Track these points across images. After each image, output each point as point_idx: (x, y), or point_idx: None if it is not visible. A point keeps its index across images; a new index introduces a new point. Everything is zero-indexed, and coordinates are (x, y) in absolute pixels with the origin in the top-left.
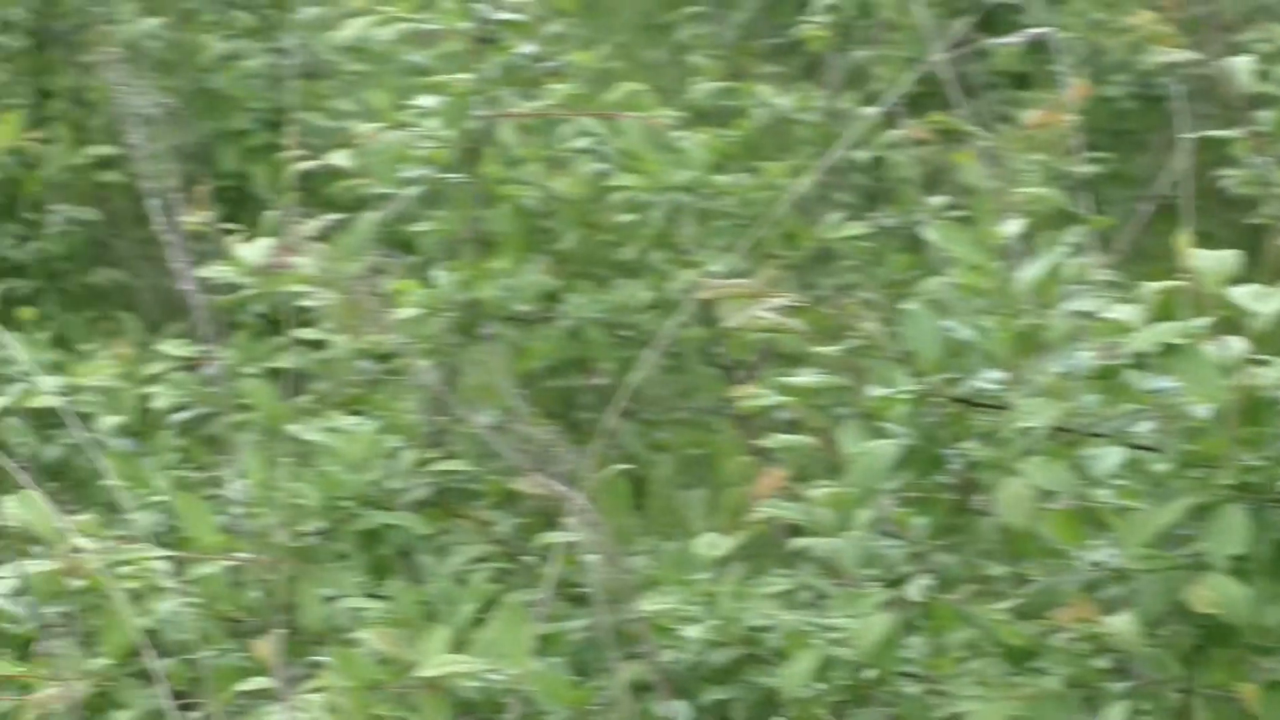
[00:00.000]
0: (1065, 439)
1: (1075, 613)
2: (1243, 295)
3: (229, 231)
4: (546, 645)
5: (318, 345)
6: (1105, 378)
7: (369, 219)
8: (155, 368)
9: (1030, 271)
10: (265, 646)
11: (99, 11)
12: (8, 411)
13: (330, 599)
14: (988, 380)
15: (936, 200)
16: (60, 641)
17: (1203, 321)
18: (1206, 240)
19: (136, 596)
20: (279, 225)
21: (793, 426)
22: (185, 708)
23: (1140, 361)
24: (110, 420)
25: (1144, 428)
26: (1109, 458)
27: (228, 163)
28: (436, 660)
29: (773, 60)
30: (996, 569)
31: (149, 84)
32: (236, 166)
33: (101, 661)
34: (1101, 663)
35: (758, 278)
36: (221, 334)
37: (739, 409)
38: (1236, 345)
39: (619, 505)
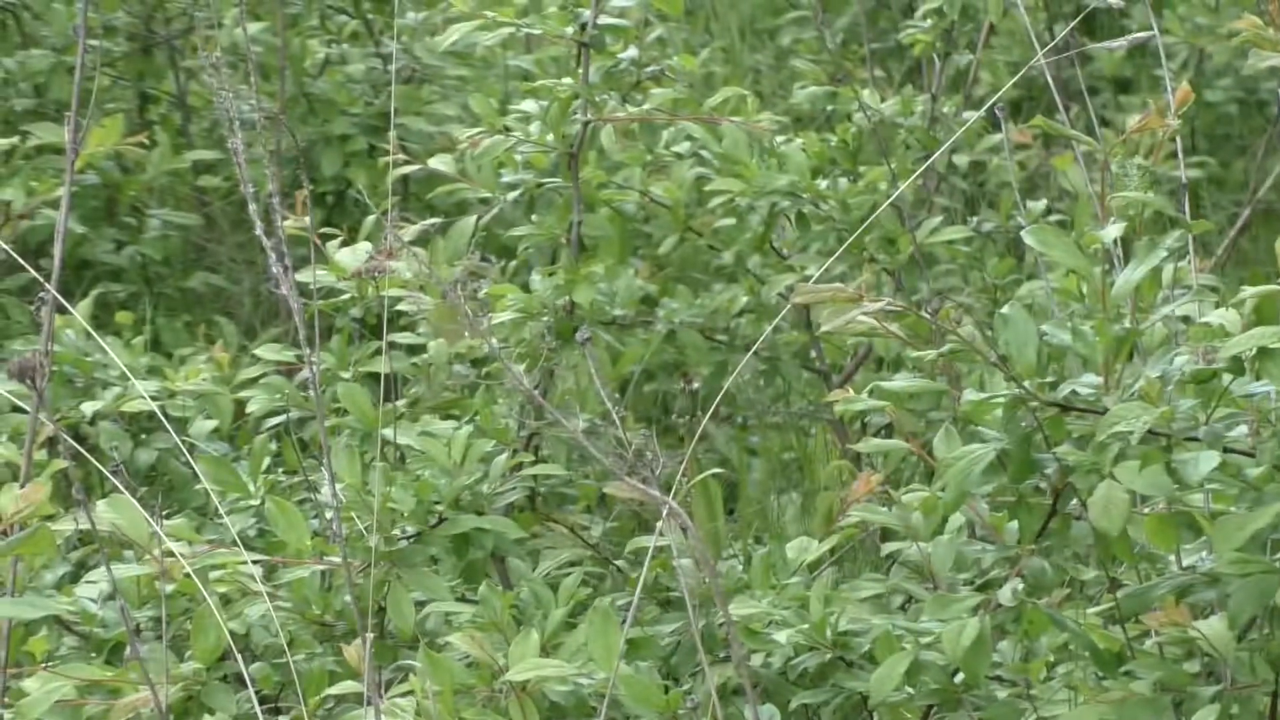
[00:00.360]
0: (1160, 443)
1: (1167, 617)
2: None
3: (328, 236)
4: (636, 649)
5: (414, 350)
6: (1201, 382)
7: (467, 223)
8: (251, 372)
9: (1128, 276)
10: (355, 651)
11: (202, 16)
12: (102, 415)
13: (421, 603)
14: (1083, 385)
15: (1036, 205)
16: (149, 646)
17: None
18: None
19: (227, 601)
20: (378, 230)
21: (888, 431)
22: (274, 712)
23: (1237, 365)
24: (205, 425)
25: (1239, 432)
26: (1204, 462)
27: (328, 167)
28: (526, 664)
29: (875, 65)
30: (1088, 573)
31: (250, 89)
32: (336, 171)
33: (191, 666)
34: (1192, 667)
35: (855, 282)
36: (318, 339)
37: (834, 413)
38: None
39: (711, 509)
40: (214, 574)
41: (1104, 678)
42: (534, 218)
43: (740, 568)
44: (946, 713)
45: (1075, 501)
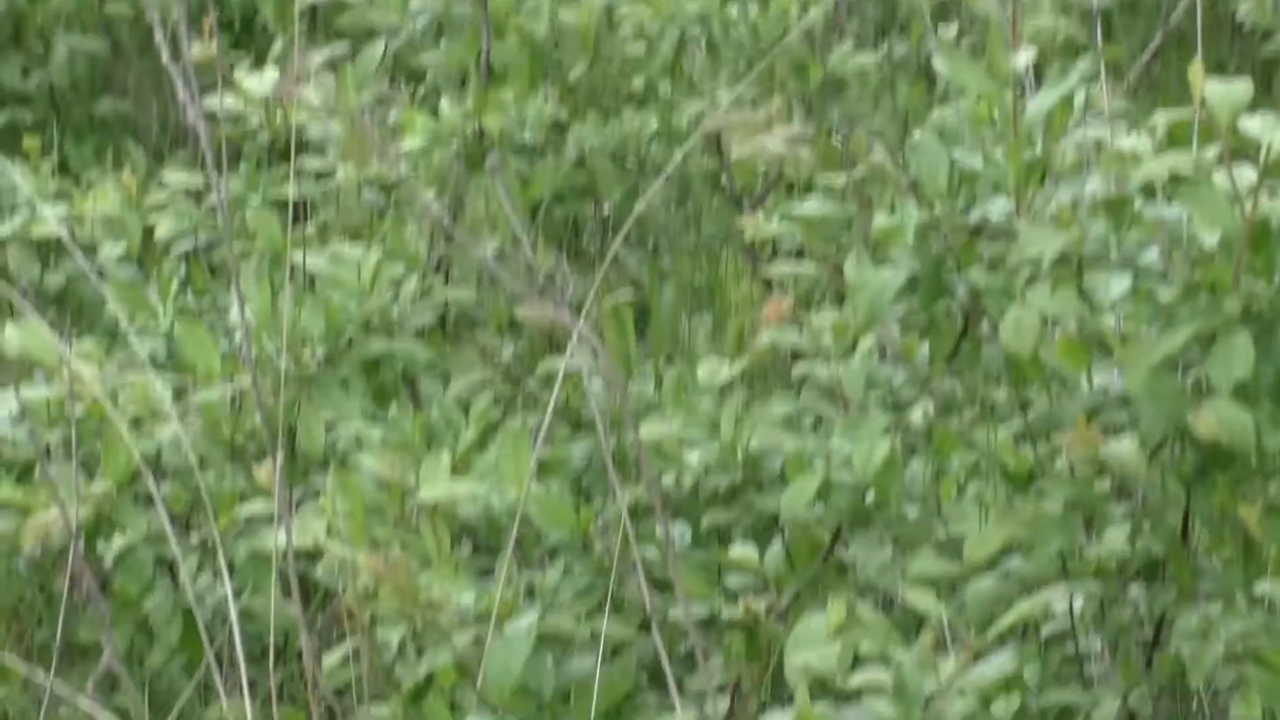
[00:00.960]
0: (1071, 267)
1: (1078, 437)
2: (1253, 125)
3: (235, 62)
4: (547, 470)
5: (322, 175)
6: (1113, 207)
7: (376, 50)
8: (159, 197)
9: (1040, 102)
10: (265, 471)
11: None
12: (11, 240)
13: (331, 425)
14: (995, 209)
15: (947, 30)
16: (59, 466)
17: (1212, 151)
18: (1218, 70)
19: (137, 422)
20: (285, 56)
21: (798, 255)
22: (185, 530)
23: (1149, 191)
24: (113, 249)
25: (1150, 255)
26: (1115, 285)
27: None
28: (437, 485)
29: None
30: (1000, 394)
31: None
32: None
33: (101, 486)
34: (1103, 486)
35: (766, 108)
36: (226, 164)
37: (745, 238)
38: (1246, 174)
39: (622, 332)
40: (123, 396)
41: (1014, 496)
42: (443, 44)
43: (651, 389)
44: (857, 531)
45: (986, 324)
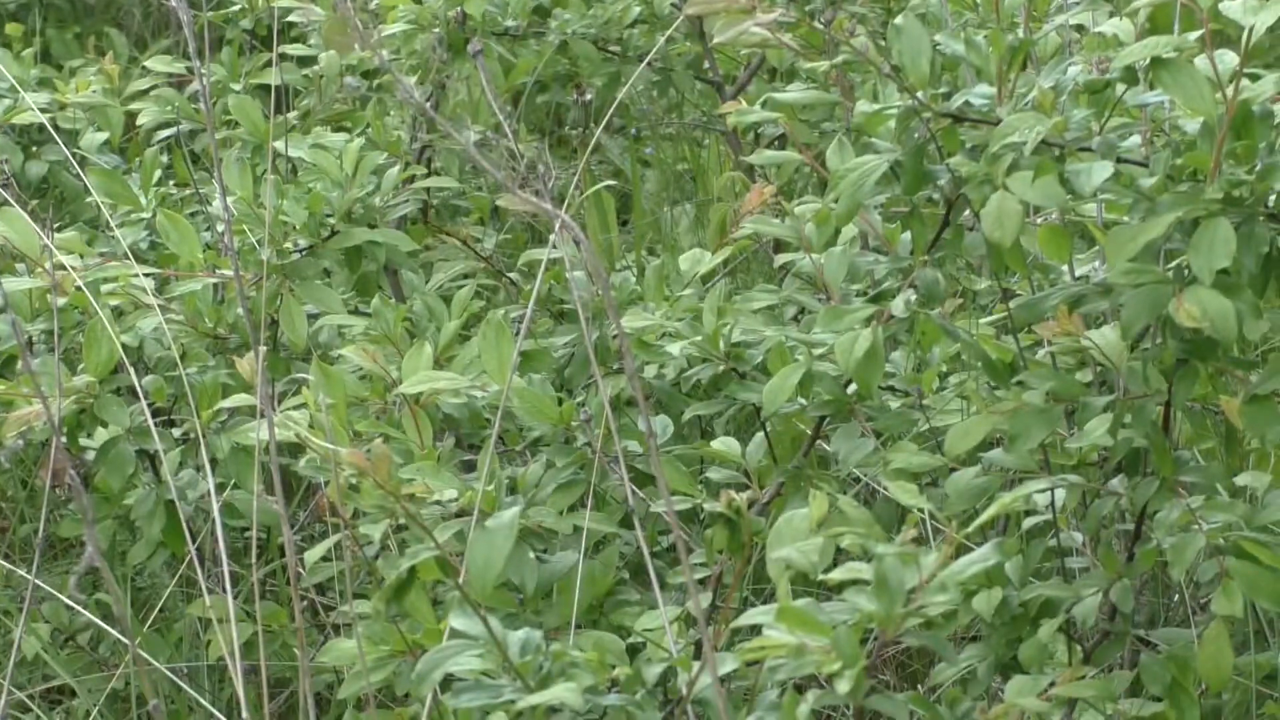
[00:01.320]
0: (1053, 154)
1: (1059, 327)
2: (1234, 9)
3: None
4: (529, 362)
5: (305, 62)
6: (1095, 92)
7: None
8: (141, 84)
9: None
10: (247, 364)
11: None
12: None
13: (313, 316)
14: (977, 95)
15: None
16: (41, 359)
17: (1194, 35)
18: None
19: (119, 314)
20: None
21: (781, 142)
22: (167, 424)
23: (1130, 75)
24: (95, 137)
25: (1132, 142)
26: (1097, 172)
27: None
28: (419, 377)
29: None
30: (981, 284)
31: None
32: None
33: (83, 379)
34: (1084, 376)
35: None
36: (208, 50)
37: (727, 124)
38: (1227, 59)
39: (604, 221)
40: (106, 287)
41: (996, 388)
42: None
43: (633, 280)
44: (839, 423)
45: (968, 212)
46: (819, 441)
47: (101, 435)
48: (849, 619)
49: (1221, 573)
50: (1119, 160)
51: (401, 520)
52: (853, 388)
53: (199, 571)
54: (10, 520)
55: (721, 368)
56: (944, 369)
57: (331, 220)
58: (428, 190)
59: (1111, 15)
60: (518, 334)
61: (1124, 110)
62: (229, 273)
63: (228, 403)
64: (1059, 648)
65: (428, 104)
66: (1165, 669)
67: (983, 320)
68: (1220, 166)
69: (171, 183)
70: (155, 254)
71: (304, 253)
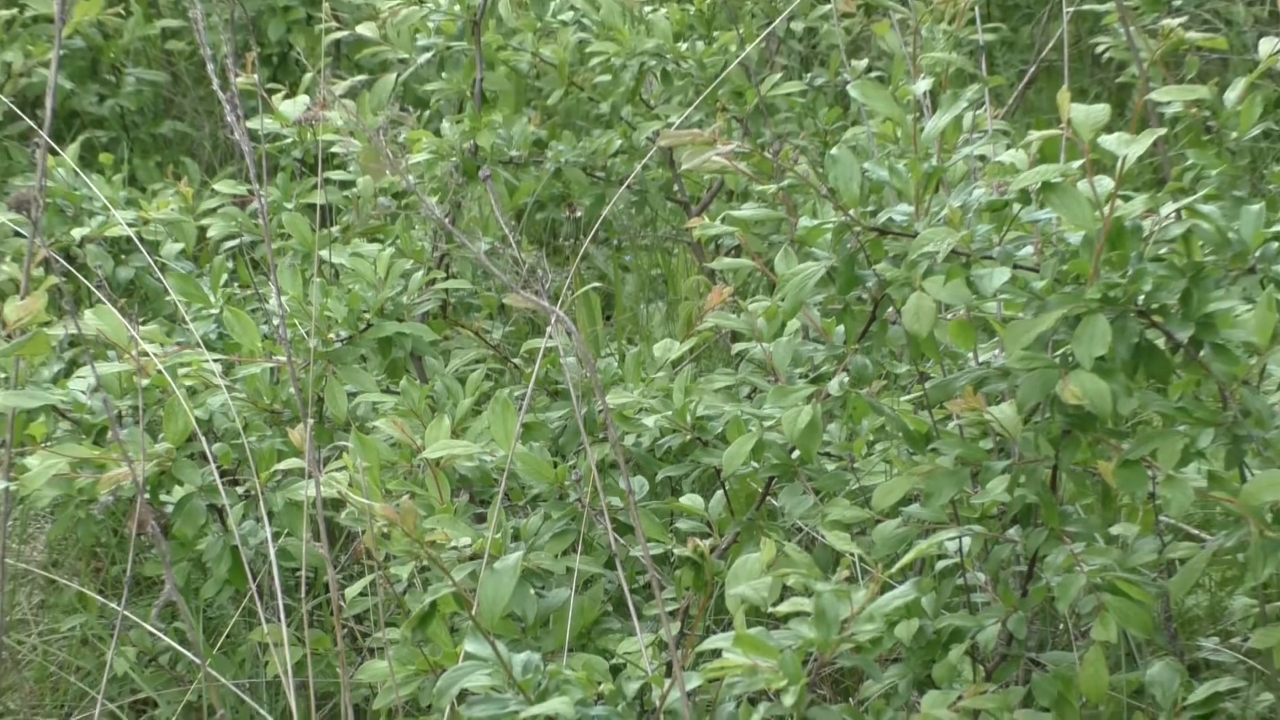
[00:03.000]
0: (961, 261)
1: (966, 403)
2: (1110, 141)
3: (273, 91)
4: (530, 432)
5: (345, 185)
6: (995, 210)
7: (389, 80)
8: (210, 203)
9: (935, 122)
10: (298, 434)
11: None
12: (88, 239)
13: (352, 394)
14: (898, 212)
15: (859, 63)
16: (129, 430)
17: (1077, 163)
18: (1081, 96)
19: (192, 392)
20: (314, 85)
21: (737, 251)
22: (232, 483)
23: (1024, 197)
24: (173, 247)
25: (1026, 251)
26: (997, 276)
27: (273, 33)
28: (439, 444)
29: None
30: (901, 368)
31: None
32: (280, 36)
33: (163, 446)
34: (986, 444)
35: (710, 128)
36: (266, 175)
37: (693, 237)
38: (1104, 183)
39: (592, 316)
40: (182, 370)
41: (914, 454)
42: (444, 75)
43: (615, 364)
44: (785, 483)
45: (891, 309)
46: (768, 498)
47: (178, 492)
48: (793, 644)
49: (1099, 606)
50: (1015, 266)
51: (424, 562)
52: (796, 454)
53: (258, 604)
54: (104, 562)
55: (688, 437)
56: (871, 438)
57: (367, 315)
58: (446, 290)
59: (1009, 147)
60: (520, 409)
61: (1019, 225)
62: (283, 358)
63: (282, 465)
64: (965, 668)
65: (446, 219)
66: (1053, 685)
67: (903, 398)
68: (1098, 272)
69: (235, 284)
70: (222, 343)
71: (344, 342)
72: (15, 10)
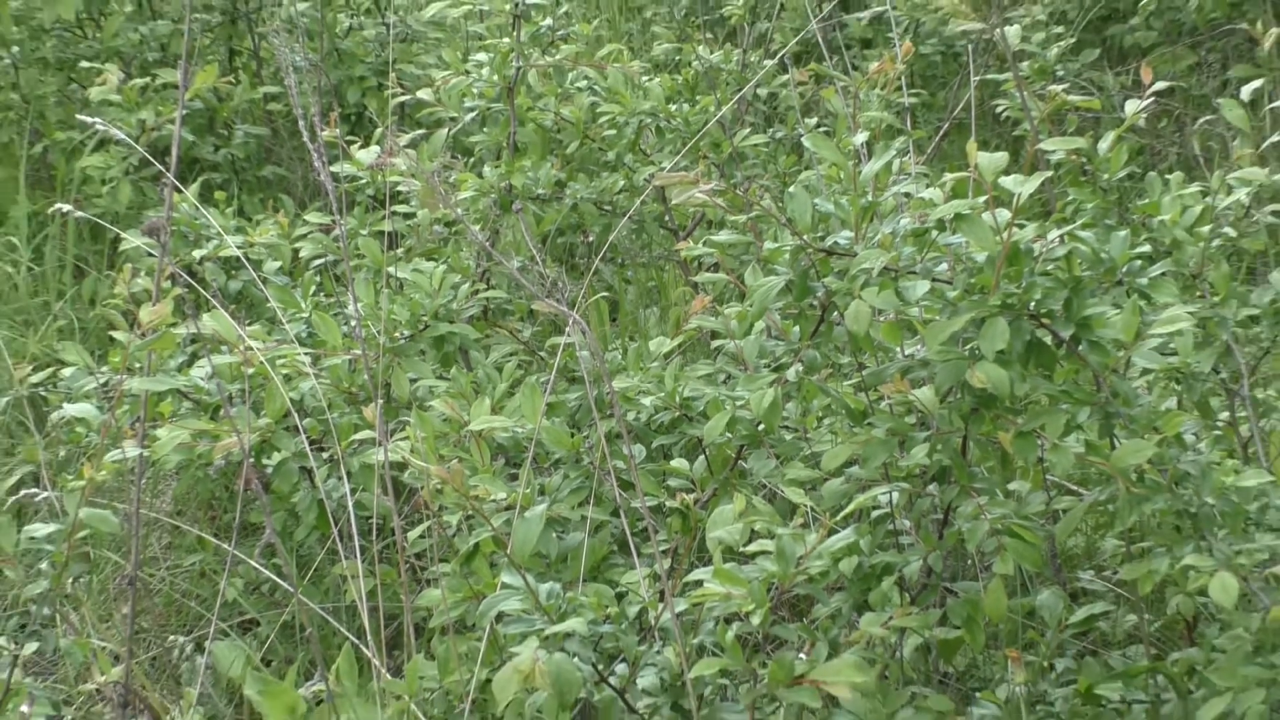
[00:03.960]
0: (891, 276)
1: (895, 388)
2: (1008, 181)
3: (351, 142)
4: (552, 410)
5: (407, 216)
6: (918, 235)
7: (441, 134)
8: (302, 230)
9: (870, 167)
10: (371, 411)
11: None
12: (206, 258)
13: (413, 380)
14: (842, 238)
15: (811, 121)
16: (238, 408)
17: (982, 199)
18: (985, 146)
19: (287, 379)
20: (384, 138)
21: (715, 268)
22: (318, 450)
23: (940, 225)
24: (273, 264)
25: (942, 268)
26: (919, 288)
27: (351, 97)
28: (482, 419)
29: (707, 30)
30: (844, 359)
31: (300, 45)
32: (357, 100)
33: (264, 421)
34: (911, 419)
35: (694, 171)
36: (345, 209)
37: (680, 256)
38: (1003, 214)
39: (600, 319)
40: (279, 361)
41: (854, 427)
42: (485, 130)
43: (620, 357)
44: (753, 449)
45: (836, 314)
46: (740, 461)
47: (276, 457)
48: (759, 576)
49: (1000, 546)
50: (933, 280)
51: (470, 512)
52: (761, 427)
53: (339, 545)
54: (218, 512)
55: (677, 413)
56: (820, 414)
57: (425, 318)
58: (487, 299)
59: (928, 186)
60: (545, 392)
61: (937, 247)
62: (358, 352)
63: (358, 436)
64: (894, 594)
65: (487, 243)
66: (963, 608)
67: (845, 383)
68: (999, 284)
69: (321, 294)
70: (311, 340)
71: (407, 339)
72: (149, 78)
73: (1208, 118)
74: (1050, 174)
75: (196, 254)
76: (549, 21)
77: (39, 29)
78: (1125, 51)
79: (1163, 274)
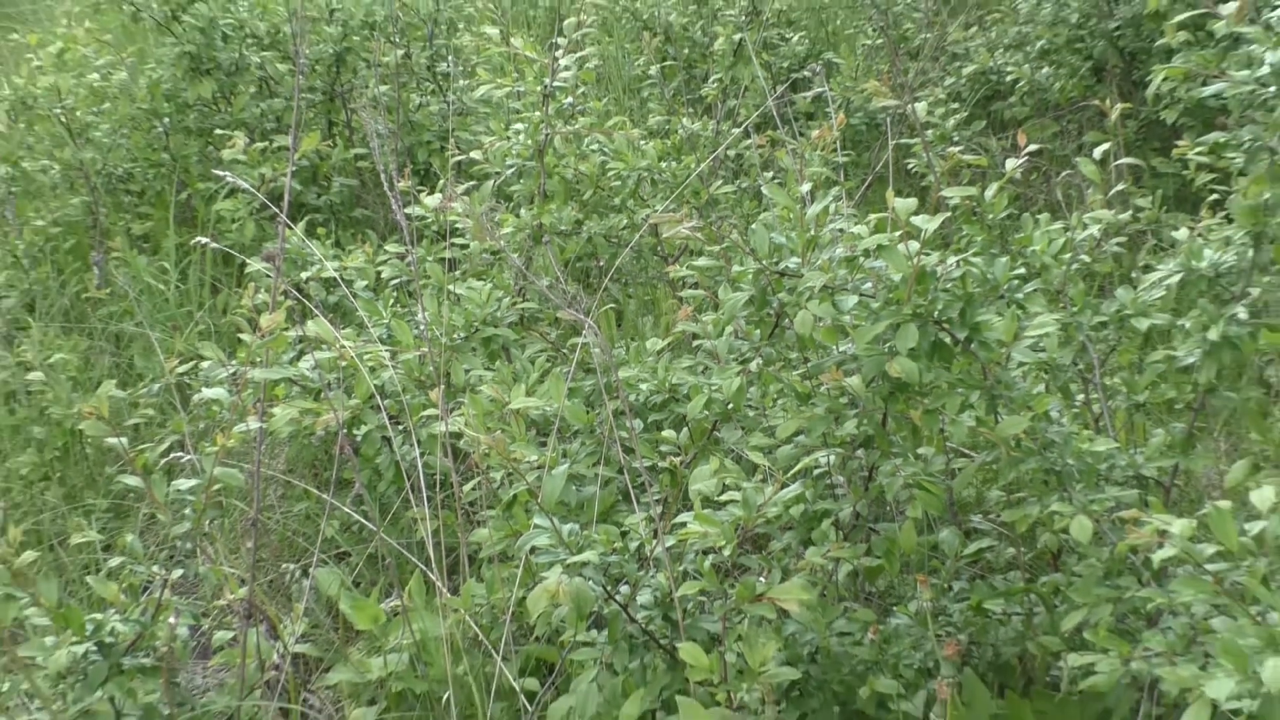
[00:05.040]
0: (829, 292)
1: (832, 376)
2: (918, 220)
3: (420, 191)
4: (573, 393)
5: (463, 246)
6: (849, 261)
7: (488, 184)
8: (383, 257)
9: (813, 209)
10: (435, 394)
11: (358, 81)
12: (310, 279)
13: (467, 370)
14: (792, 263)
15: (768, 174)
16: (335, 392)
17: (897, 233)
18: (899, 194)
19: (372, 370)
20: (445, 188)
21: (696, 285)
22: (395, 423)
23: (866, 253)
24: (361, 283)
25: (867, 286)
26: (850, 301)
27: (420, 157)
28: (519, 400)
29: (689, 105)
30: (794, 355)
31: (381, 117)
32: (425, 159)
33: (354, 401)
34: (844, 400)
35: (680, 212)
36: (415, 241)
37: (670, 277)
38: (914, 245)
39: (608, 325)
40: (365, 356)
41: (801, 406)
42: (521, 181)
43: (623, 353)
44: (724, 423)
45: (788, 320)
46: (715, 432)
47: (364, 429)
48: (729, 519)
49: (911, 496)
50: (860, 295)
51: (510, 470)
52: (731, 406)
53: (411, 496)
54: (320, 470)
55: (666, 396)
56: (775, 397)
57: (476, 324)
58: (523, 309)
59: (857, 224)
60: (566, 379)
61: (864, 270)
62: (425, 349)
63: (425, 413)
64: (831, 533)
65: (523, 266)
66: (884, 543)
67: (795, 372)
68: (910, 297)
69: (397, 305)
70: (389, 340)
71: (462, 340)
72: (267, 142)
73: (1068, 172)
74: (949, 214)
75: (303, 275)
76: (570, 100)
77: (184, 104)
78: (1005, 122)
79: (1034, 290)
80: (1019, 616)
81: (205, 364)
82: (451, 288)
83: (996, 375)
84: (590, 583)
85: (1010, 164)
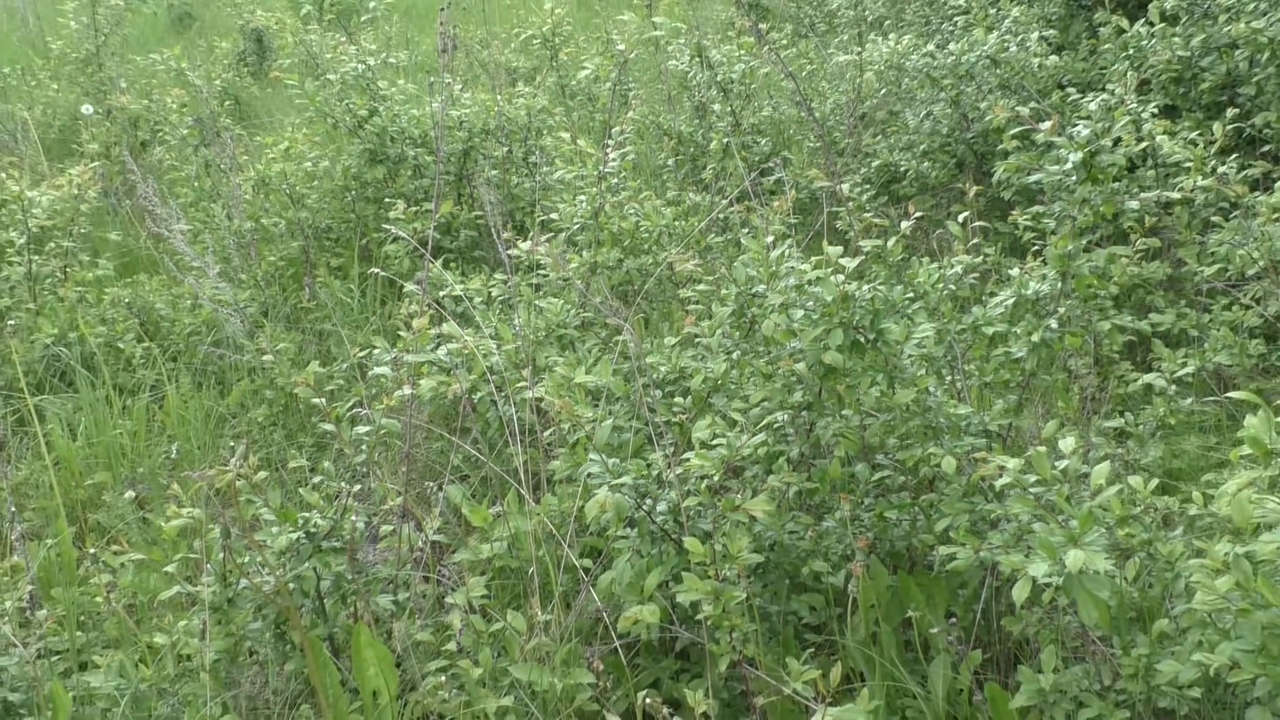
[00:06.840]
0: (785, 308)
1: (787, 363)
2: (846, 262)
3: (517, 239)
4: (615, 372)
5: (544, 275)
6: (799, 287)
7: (562, 235)
8: (493, 283)
9: (775, 253)
10: (526, 372)
11: (477, 167)
12: (445, 296)
13: (546, 357)
14: (760, 288)
15: (745, 230)
16: (459, 369)
17: (829, 269)
18: (832, 244)
19: (485, 356)
20: (533, 236)
21: (697, 303)
22: (500, 391)
23: (810, 282)
24: (478, 299)
25: (809, 304)
26: (799, 313)
27: (517, 217)
28: (580, 377)
29: (693, 185)
30: (762, 349)
31: (492, 191)
32: (520, 219)
33: (473, 376)
34: (794, 379)
35: (687, 254)
36: (514, 272)
37: (681, 297)
38: (840, 277)
39: (639, 329)
40: (480, 348)
41: (765, 382)
42: (583, 233)
43: (649, 347)
44: (715, 393)
45: (758, 326)
46: (709, 399)
47: (479, 394)
48: (718, 457)
49: (838, 442)
50: (805, 310)
51: (574, 423)
52: (719, 382)
53: (511, 439)
54: (452, 421)
55: (677, 375)
56: (749, 376)
57: (553, 326)
58: (583, 317)
59: (803, 263)
60: (612, 364)
61: (808, 293)
62: (519, 343)
63: (519, 385)
64: (785, 466)
65: (583, 289)
66: (819, 473)
67: (762, 360)
68: (838, 312)
69: (502, 314)
70: (496, 337)
71: (543, 337)
72: (419, 206)
73: (940, 231)
74: (864, 257)
75: (440, 294)
76: (616, 180)
77: (365, 182)
78: (900, 198)
79: (919, 308)
80: (907, 521)
81: (376, 351)
82: (537, 303)
83: (894, 363)
84: (626, 497)
85: (904, 225)
